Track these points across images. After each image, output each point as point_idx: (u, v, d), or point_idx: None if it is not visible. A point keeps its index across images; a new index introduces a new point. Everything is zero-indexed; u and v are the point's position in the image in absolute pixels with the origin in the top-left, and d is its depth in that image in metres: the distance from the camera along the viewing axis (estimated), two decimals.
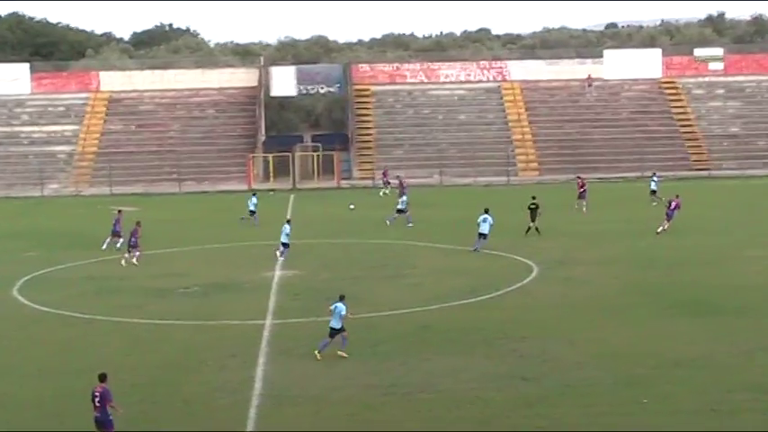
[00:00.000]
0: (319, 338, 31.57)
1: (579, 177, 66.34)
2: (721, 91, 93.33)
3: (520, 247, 50.03)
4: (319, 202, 72.44)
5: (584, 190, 63.38)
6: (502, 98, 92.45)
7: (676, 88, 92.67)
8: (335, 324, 31.11)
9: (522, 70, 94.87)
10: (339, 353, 31.04)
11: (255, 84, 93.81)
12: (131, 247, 48.28)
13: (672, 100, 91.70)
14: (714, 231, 54.10)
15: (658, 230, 52.89)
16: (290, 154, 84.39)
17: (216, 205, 72.42)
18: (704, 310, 36.67)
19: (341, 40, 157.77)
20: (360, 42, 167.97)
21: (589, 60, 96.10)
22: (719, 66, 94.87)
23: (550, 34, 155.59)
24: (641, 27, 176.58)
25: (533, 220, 54.40)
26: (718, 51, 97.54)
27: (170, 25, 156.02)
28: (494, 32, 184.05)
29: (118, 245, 51.14)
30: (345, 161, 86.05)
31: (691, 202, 58.09)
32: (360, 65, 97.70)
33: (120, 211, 54.35)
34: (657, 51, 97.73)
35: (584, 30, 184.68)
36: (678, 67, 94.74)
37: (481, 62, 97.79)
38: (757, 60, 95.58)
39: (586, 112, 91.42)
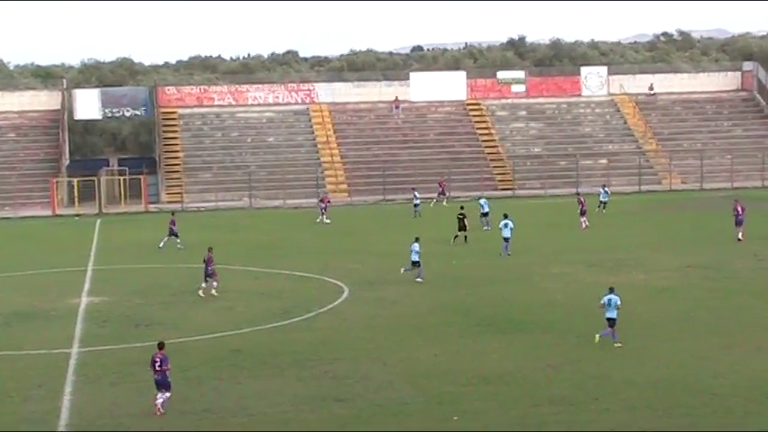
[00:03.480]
0: (130, 365, 30.94)
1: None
2: (523, 113, 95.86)
3: (331, 268, 50.20)
4: (127, 227, 71.12)
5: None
6: (310, 120, 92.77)
7: (481, 110, 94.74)
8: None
9: (330, 92, 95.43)
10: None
11: (58, 107, 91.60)
12: (208, 276, 44.47)
13: (477, 121, 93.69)
14: (520, 250, 55.38)
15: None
16: (95, 178, 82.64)
17: (19, 231, 70.31)
18: (511, 327, 37.50)
19: (146, 63, 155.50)
20: (166, 65, 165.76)
21: (396, 83, 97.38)
22: (521, 88, 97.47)
23: (357, 57, 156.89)
24: (446, 50, 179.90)
25: (462, 230, 56.67)
26: (520, 74, 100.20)
27: None
28: (301, 55, 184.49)
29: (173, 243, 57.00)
30: (153, 185, 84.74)
31: (495, 221, 59.31)
32: (166, 87, 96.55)
33: (173, 213, 61.01)
34: (462, 74, 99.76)
35: (390, 53, 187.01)
36: (482, 89, 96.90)
37: (289, 84, 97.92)
38: (557, 83, 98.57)
39: (394, 134, 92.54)
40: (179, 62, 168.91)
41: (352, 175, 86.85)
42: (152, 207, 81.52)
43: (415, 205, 71.44)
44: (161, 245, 58.42)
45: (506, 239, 53.52)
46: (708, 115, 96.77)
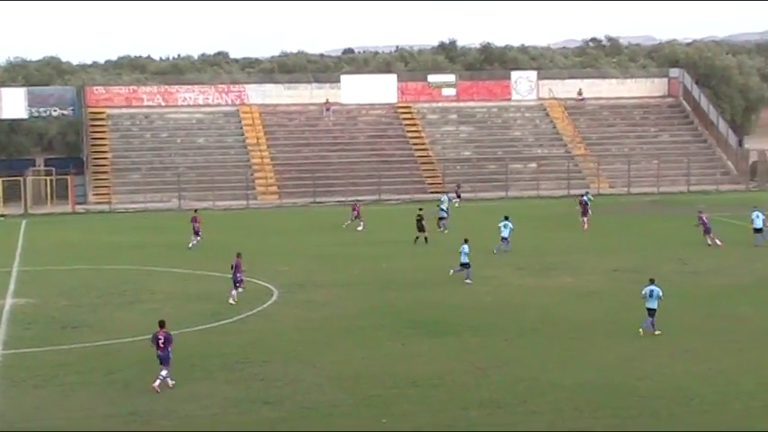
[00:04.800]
0: (55, 367, 30.52)
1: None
2: (454, 116, 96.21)
3: (260, 270, 49.94)
4: (53, 228, 70.19)
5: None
6: (240, 122, 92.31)
7: (411, 113, 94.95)
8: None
9: (261, 94, 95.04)
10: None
11: None
12: (237, 283, 43.23)
13: (407, 124, 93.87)
14: (450, 252, 55.57)
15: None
16: (21, 178, 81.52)
17: None
18: (441, 330, 37.61)
19: (74, 62, 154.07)
20: (94, 64, 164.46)
21: (327, 85, 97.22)
22: (452, 92, 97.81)
23: (288, 58, 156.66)
24: (377, 53, 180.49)
25: (420, 231, 57.44)
26: (451, 78, 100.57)
27: None
28: (232, 56, 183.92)
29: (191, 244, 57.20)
30: (80, 185, 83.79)
31: (455, 225, 59.50)
32: (95, 87, 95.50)
33: (196, 210, 61.22)
34: (393, 77, 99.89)
35: (321, 55, 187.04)
36: (413, 92, 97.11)
37: (219, 86, 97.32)
38: (487, 87, 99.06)
39: (325, 136, 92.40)
40: (107, 62, 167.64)
41: (282, 177, 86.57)
42: (79, 208, 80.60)
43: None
44: (190, 246, 57.81)
45: (504, 239, 54.85)
46: (635, 121, 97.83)
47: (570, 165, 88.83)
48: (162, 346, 30.46)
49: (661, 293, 36.52)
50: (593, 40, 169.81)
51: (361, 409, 28.37)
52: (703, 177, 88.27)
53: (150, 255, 56.50)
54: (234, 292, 43.02)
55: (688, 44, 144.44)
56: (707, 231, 56.72)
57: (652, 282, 37.18)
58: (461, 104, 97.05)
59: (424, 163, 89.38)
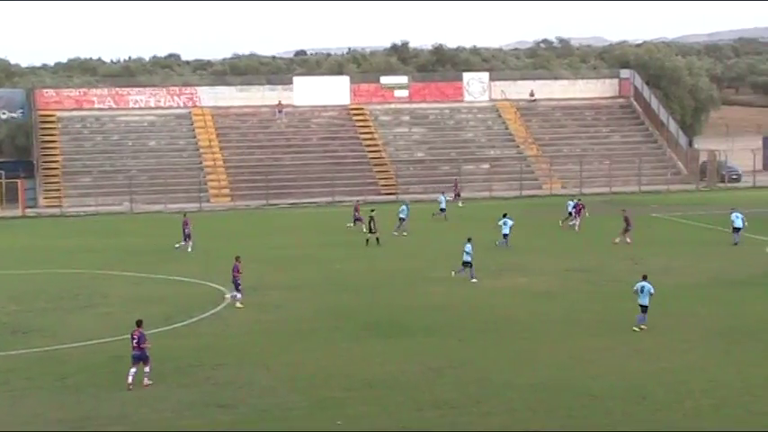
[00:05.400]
0: (5, 372, 30.17)
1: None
2: (407, 118, 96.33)
3: (213, 273, 49.73)
4: (3, 232, 69.49)
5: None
6: (193, 124, 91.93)
7: (364, 115, 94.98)
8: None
9: (213, 96, 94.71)
10: None
11: None
12: (238, 286, 42.77)
13: (360, 126, 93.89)
14: (403, 254, 55.71)
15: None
16: None
17: None
18: (395, 331, 37.61)
19: (23, 64, 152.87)
20: (44, 66, 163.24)
21: (279, 87, 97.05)
22: (405, 93, 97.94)
23: (240, 61, 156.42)
24: (329, 55, 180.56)
25: (372, 232, 57.61)
26: (403, 79, 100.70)
27: None
28: (183, 58, 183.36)
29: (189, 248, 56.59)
30: (30, 189, 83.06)
31: (385, 227, 59.51)
32: (44, 90, 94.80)
33: (185, 214, 59.97)
34: (346, 79, 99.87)
35: (273, 57, 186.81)
36: (366, 94, 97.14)
37: (171, 88, 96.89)
38: (439, 88, 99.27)
39: (277, 138, 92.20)
40: (57, 64, 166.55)
41: (235, 180, 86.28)
42: (30, 212, 79.85)
43: (442, 209, 69.85)
44: (189, 249, 57.28)
45: (505, 235, 56.42)
46: (587, 121, 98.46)
47: (523, 165, 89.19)
48: (136, 345, 30.79)
49: (652, 290, 37.18)
50: (545, 41, 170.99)
51: (316, 411, 28.29)
52: (654, 177, 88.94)
53: (102, 258, 56.09)
54: (239, 295, 42.56)
55: (638, 45, 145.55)
56: (627, 230, 57.46)
57: (644, 278, 37.86)
58: (414, 106, 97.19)
59: (376, 164, 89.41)
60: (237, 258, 43.48)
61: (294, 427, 27.00)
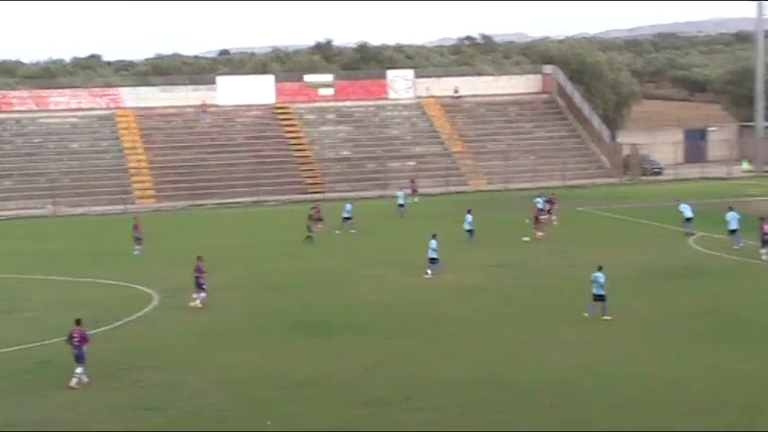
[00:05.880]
0: None
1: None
2: (332, 116, 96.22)
3: (139, 275, 49.31)
4: None
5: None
6: (116, 125, 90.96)
7: (289, 113, 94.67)
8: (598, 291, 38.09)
9: (136, 97, 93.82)
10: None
11: None
12: (201, 286, 42.36)
13: (285, 125, 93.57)
14: (333, 252, 55.68)
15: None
16: None
17: None
18: (325, 330, 37.59)
19: None
20: None
21: (203, 87, 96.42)
22: (329, 91, 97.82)
23: (163, 61, 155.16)
24: (253, 54, 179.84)
25: (311, 230, 57.91)
26: (328, 77, 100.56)
27: None
28: (105, 59, 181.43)
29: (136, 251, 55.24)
30: None
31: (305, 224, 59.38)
32: None
33: (136, 217, 58.37)
34: (270, 78, 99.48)
35: (196, 56, 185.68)
36: (290, 92, 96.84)
37: (93, 89, 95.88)
38: (364, 86, 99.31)
39: (202, 139, 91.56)
40: None
41: (160, 181, 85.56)
42: None
43: (400, 205, 69.77)
44: (136, 252, 56.49)
45: (470, 231, 56.60)
46: (511, 117, 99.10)
47: (448, 162, 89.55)
48: (77, 344, 30.91)
49: (603, 279, 38.13)
50: (468, 38, 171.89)
51: (246, 411, 28.19)
52: (578, 172, 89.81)
53: (25, 263, 55.31)
54: (202, 294, 42.21)
55: (560, 41, 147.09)
56: (537, 220, 59.20)
57: (600, 269, 38.61)
58: (339, 104, 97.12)
59: (302, 163, 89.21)
60: (199, 258, 43.11)
61: (224, 429, 26.89)
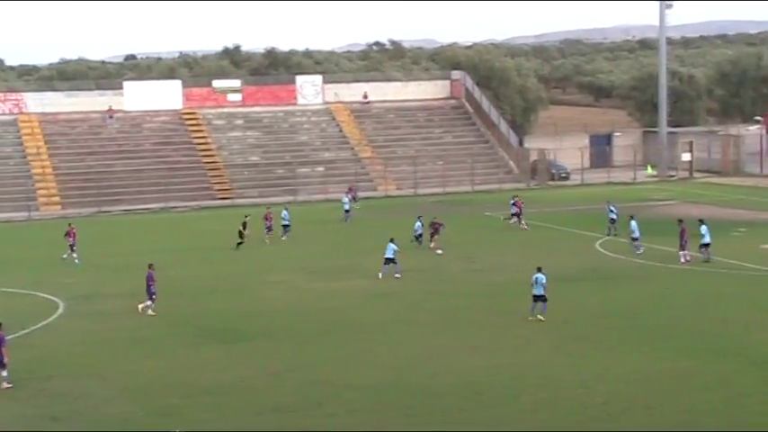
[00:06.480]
0: None
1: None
2: (240, 121, 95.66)
3: (44, 283, 48.51)
4: None
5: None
6: (19, 131, 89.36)
7: (197, 119, 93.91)
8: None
9: (40, 102, 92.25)
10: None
11: None
12: (152, 294, 41.67)
13: (193, 131, 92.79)
14: (239, 258, 55.32)
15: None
16: None
17: None
18: (232, 337, 37.35)
19: None
20: None
21: (109, 92, 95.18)
22: (238, 97, 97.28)
23: (68, 65, 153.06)
24: (160, 59, 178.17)
25: (242, 237, 57.36)
26: (236, 83, 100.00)
27: None
28: (8, 63, 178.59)
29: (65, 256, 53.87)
30: None
31: (220, 231, 58.94)
32: None
33: (70, 224, 56.36)
34: (177, 83, 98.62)
35: (103, 61, 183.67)
36: (198, 98, 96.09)
37: None
38: (273, 92, 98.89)
39: (109, 144, 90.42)
40: None
41: (66, 187, 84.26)
42: None
43: (346, 211, 69.49)
44: (64, 256, 54.98)
45: (420, 236, 56.19)
46: (420, 123, 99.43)
47: (358, 168, 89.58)
48: None
49: (545, 280, 38.69)
50: (377, 43, 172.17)
51: (154, 419, 27.89)
52: (487, 177, 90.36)
53: None
54: (149, 302, 41.59)
55: (468, 47, 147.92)
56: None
57: (539, 270, 39.15)
58: (247, 110, 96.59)
59: (211, 169, 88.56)
60: (150, 266, 42.41)
61: None
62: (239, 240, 58.10)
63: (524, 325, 37.99)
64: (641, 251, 52.61)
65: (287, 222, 62.18)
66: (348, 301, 43.56)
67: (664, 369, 31.71)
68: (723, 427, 26.66)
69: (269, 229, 60.88)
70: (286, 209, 64.07)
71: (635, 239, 53.06)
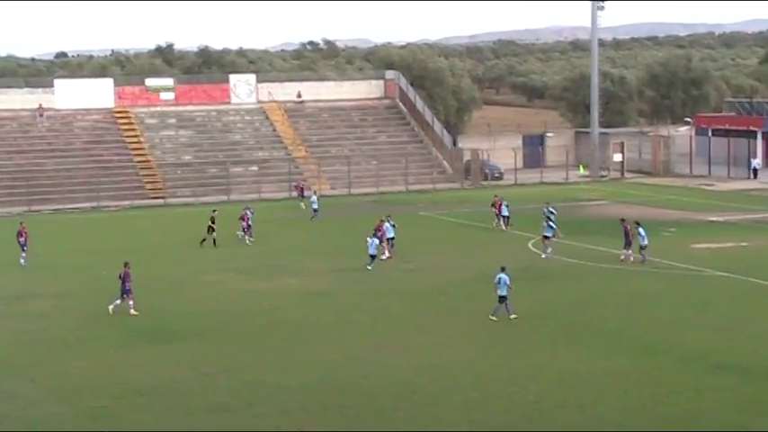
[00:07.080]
0: None
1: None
2: (173, 120, 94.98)
3: None
4: None
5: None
6: None
7: (129, 118, 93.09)
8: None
9: None
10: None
11: None
12: (125, 293, 40.53)
13: (125, 129, 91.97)
14: (171, 259, 54.91)
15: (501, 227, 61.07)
16: None
17: None
18: (164, 337, 37.05)
19: None
20: None
21: (39, 90, 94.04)
22: (171, 96, 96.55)
23: None
24: (92, 56, 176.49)
25: (210, 233, 57.12)
26: (169, 82, 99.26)
27: None
28: None
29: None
30: None
31: (153, 231, 58.38)
32: None
33: (22, 223, 55.84)
34: (109, 81, 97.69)
35: (33, 59, 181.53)
36: (130, 96, 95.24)
37: None
38: (206, 90, 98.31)
39: (39, 143, 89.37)
40: None
41: None
42: None
43: (315, 210, 69.28)
44: (22, 261, 53.55)
45: (392, 238, 54.00)
46: (354, 122, 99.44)
47: (291, 167, 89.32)
48: None
49: (509, 281, 38.76)
50: (311, 43, 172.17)
51: (84, 421, 27.59)
52: (421, 176, 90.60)
53: None
54: (119, 301, 40.88)
55: (402, 47, 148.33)
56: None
57: (503, 270, 39.19)
58: (180, 108, 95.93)
59: (143, 168, 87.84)
60: (126, 264, 41.63)
61: None
62: (203, 237, 57.45)
63: (458, 324, 38.12)
64: (549, 252, 52.42)
65: (249, 223, 60.87)
66: (281, 300, 43.43)
67: (596, 368, 31.98)
68: (654, 424, 26.94)
69: (247, 227, 60.07)
70: (251, 209, 62.64)
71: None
